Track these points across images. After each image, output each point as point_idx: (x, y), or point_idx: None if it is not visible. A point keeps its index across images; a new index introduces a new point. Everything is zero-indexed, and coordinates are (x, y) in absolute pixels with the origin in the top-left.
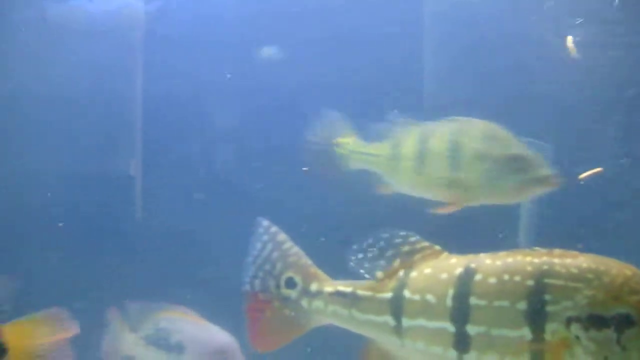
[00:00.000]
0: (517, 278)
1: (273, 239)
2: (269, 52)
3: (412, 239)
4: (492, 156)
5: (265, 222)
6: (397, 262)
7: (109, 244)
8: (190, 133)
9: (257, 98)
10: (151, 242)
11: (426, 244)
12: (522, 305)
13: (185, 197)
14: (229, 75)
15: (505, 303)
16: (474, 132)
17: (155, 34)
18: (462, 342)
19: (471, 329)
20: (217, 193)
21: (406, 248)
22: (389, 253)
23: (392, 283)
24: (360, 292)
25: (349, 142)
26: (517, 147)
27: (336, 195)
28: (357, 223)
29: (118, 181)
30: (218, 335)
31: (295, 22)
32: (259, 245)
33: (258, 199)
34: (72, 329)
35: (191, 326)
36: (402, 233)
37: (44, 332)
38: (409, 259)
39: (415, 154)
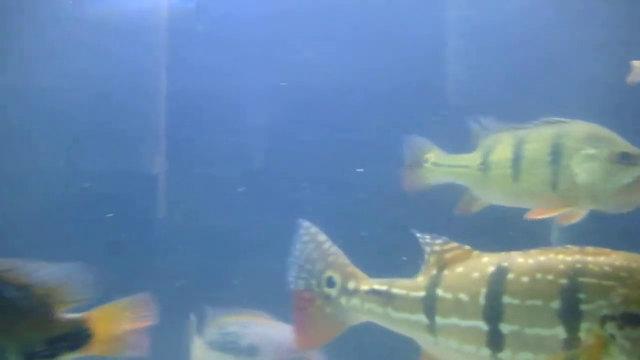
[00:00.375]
0: (550, 277)
1: (314, 240)
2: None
3: (439, 240)
4: (601, 155)
5: (306, 223)
6: (432, 259)
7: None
8: (225, 130)
9: (290, 95)
10: (189, 241)
11: (455, 244)
12: (556, 304)
13: (223, 195)
14: (283, 83)
15: (538, 302)
16: (577, 133)
17: (191, 32)
18: (495, 341)
19: (504, 328)
20: (253, 191)
21: (437, 248)
22: (427, 249)
23: (425, 281)
24: (394, 290)
25: (433, 157)
26: (625, 145)
27: (367, 194)
28: (388, 223)
29: (152, 178)
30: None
31: (327, 21)
32: (300, 246)
33: (292, 197)
34: (152, 316)
35: (263, 328)
36: (427, 236)
37: (126, 318)
38: (440, 258)
39: (512, 161)
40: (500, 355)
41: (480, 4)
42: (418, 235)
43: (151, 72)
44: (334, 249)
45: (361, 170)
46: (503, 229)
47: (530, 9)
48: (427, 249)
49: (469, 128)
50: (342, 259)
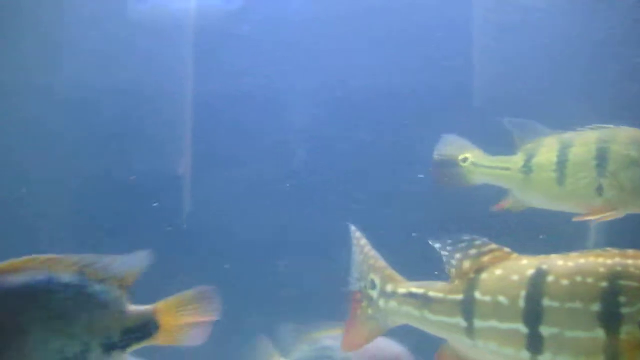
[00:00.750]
0: (590, 279)
1: (358, 243)
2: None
3: (478, 242)
4: None
5: (353, 227)
6: (466, 263)
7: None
8: (268, 132)
9: (331, 98)
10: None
11: (494, 245)
12: (596, 307)
13: (264, 198)
14: (340, 94)
15: (578, 305)
16: (622, 138)
17: (234, 34)
18: (535, 344)
19: (544, 330)
20: (296, 194)
21: (473, 251)
22: (457, 256)
23: (463, 285)
24: (431, 293)
25: (471, 156)
26: None
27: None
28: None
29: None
30: (389, 347)
31: (365, 23)
32: (353, 249)
33: (338, 200)
34: (215, 309)
35: None
36: (467, 237)
37: (190, 310)
38: (478, 260)
39: (557, 164)
40: (540, 357)
41: (508, 5)
42: (455, 236)
43: (193, 72)
44: (373, 252)
45: (422, 176)
46: (534, 232)
47: (557, 9)
48: (458, 255)
49: (501, 129)
50: (381, 262)
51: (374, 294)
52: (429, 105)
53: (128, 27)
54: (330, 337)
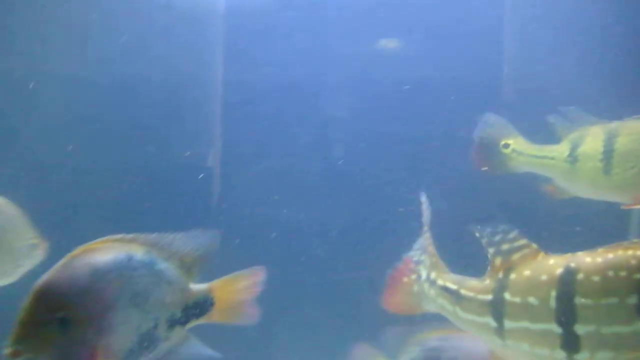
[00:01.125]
0: (623, 273)
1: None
2: (384, 44)
3: (512, 235)
4: None
5: (424, 199)
6: (498, 260)
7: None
8: (308, 122)
9: (370, 89)
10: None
11: (524, 241)
12: (633, 300)
13: (303, 189)
14: (407, 87)
15: (614, 299)
16: None
17: (270, 24)
18: (571, 343)
19: (579, 329)
20: (336, 185)
21: (506, 246)
22: (491, 251)
23: (493, 284)
24: (463, 291)
25: (514, 144)
26: None
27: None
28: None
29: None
30: None
31: (403, 15)
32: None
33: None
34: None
35: (464, 342)
36: (502, 227)
37: (242, 288)
38: (508, 258)
39: (603, 153)
40: (577, 356)
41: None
42: (493, 226)
43: (234, 60)
44: (428, 234)
45: (486, 168)
46: (571, 224)
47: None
48: (498, 246)
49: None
50: (432, 247)
51: (424, 274)
52: (470, 97)
53: (163, 14)
54: (437, 338)
